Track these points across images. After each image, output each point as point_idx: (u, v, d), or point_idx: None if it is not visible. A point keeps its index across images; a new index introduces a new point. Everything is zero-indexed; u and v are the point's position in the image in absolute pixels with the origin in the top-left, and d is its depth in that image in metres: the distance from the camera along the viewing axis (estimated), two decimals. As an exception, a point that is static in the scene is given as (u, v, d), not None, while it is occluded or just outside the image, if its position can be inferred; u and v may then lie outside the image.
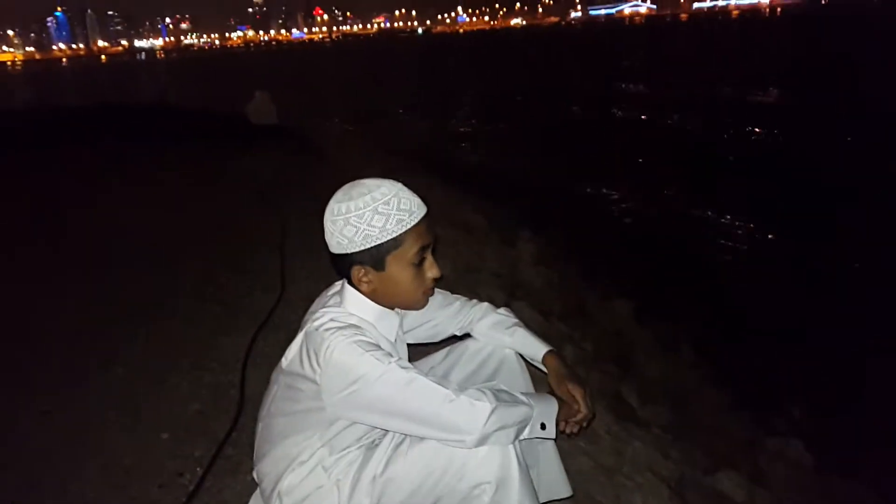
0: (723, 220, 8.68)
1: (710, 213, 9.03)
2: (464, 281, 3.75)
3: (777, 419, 4.06)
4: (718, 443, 3.26)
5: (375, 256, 1.39)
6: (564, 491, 1.81)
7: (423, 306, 1.53)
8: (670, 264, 6.43)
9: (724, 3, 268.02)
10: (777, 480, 3.11)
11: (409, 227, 1.38)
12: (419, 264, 1.43)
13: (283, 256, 4.16)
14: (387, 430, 1.45)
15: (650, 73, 30.20)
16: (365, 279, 1.43)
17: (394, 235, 1.37)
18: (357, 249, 1.39)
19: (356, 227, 1.37)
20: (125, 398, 2.70)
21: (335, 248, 1.41)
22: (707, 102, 19.35)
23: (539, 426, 1.45)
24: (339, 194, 1.41)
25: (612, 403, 2.93)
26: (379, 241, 1.37)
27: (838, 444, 3.72)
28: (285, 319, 3.29)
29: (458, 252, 4.33)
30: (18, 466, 2.32)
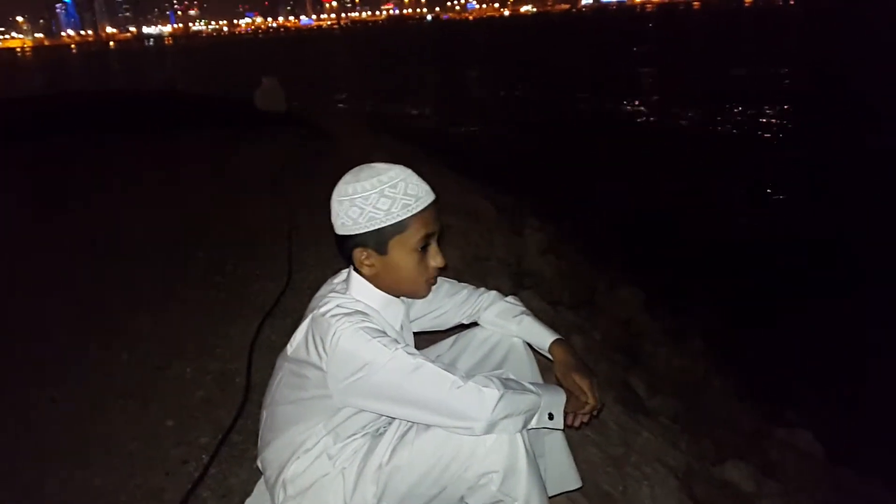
0: (734, 212, 8.61)
1: (721, 204, 8.97)
2: (472, 269, 3.72)
3: (787, 410, 4.04)
4: (727, 433, 3.24)
5: (379, 239, 1.39)
6: (573, 482, 1.79)
7: (425, 295, 1.52)
8: (681, 255, 6.39)
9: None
10: (786, 471, 3.09)
11: (414, 212, 1.37)
12: (422, 251, 1.42)
13: (291, 244, 4.14)
14: (393, 418, 1.44)
15: (660, 61, 29.95)
16: (367, 262, 1.42)
17: (398, 219, 1.37)
18: (361, 231, 1.38)
19: (361, 208, 1.36)
20: (130, 386, 2.70)
21: (339, 228, 1.41)
22: (718, 92, 19.14)
23: (547, 416, 1.43)
24: (347, 176, 1.41)
25: (621, 393, 2.90)
26: (383, 224, 1.37)
27: (848, 435, 3.70)
28: (292, 307, 3.28)
29: (467, 240, 4.30)
30: (26, 453, 2.33)
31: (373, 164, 1.42)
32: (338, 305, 1.40)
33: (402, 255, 1.41)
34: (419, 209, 1.38)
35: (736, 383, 4.11)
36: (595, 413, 1.58)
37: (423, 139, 11.78)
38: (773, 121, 14.94)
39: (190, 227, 4.66)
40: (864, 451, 3.52)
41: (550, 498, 1.60)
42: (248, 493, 1.94)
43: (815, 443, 3.42)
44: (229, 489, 2.08)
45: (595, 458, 2.31)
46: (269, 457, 1.51)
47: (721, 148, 12.60)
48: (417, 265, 1.43)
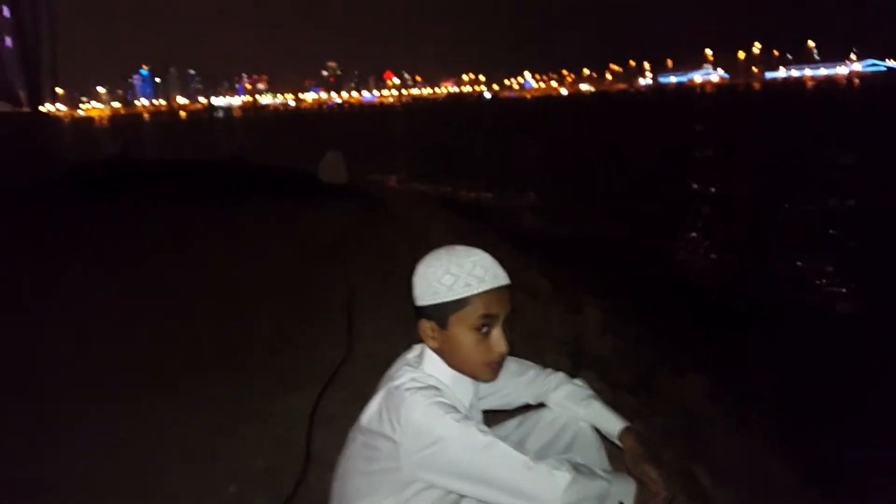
0: (806, 291, 8.37)
1: (792, 283, 8.74)
2: (529, 347, 3.69)
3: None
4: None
5: (440, 314, 1.44)
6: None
7: (487, 379, 1.51)
8: (747, 338, 6.19)
9: (798, 74, 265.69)
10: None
11: (475, 291, 1.41)
12: (483, 332, 1.44)
13: (351, 314, 4.21)
14: (462, 497, 1.43)
15: (722, 138, 29.86)
16: (431, 335, 1.47)
17: (459, 297, 1.41)
18: (426, 303, 1.45)
19: (428, 282, 1.44)
20: (193, 446, 2.74)
21: (414, 299, 1.48)
22: (781, 168, 18.93)
23: None
24: (430, 253, 1.49)
25: (685, 483, 2.80)
26: (444, 300, 1.42)
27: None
28: (351, 377, 3.31)
29: (524, 317, 4.28)
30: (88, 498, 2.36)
31: (456, 246, 1.49)
32: (412, 379, 1.43)
33: (460, 332, 1.44)
34: (481, 290, 1.41)
35: (805, 475, 3.90)
36: None
37: (480, 212, 11.92)
38: (839, 196, 14.65)
39: (255, 293, 4.78)
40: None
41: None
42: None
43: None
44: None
45: (660, 552, 2.22)
46: (340, 528, 1.51)
47: (790, 225, 12.35)
48: (477, 345, 1.44)
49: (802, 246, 10.69)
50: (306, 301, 4.58)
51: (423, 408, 1.35)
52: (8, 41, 17.13)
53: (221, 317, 4.30)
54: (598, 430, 1.74)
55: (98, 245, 6.51)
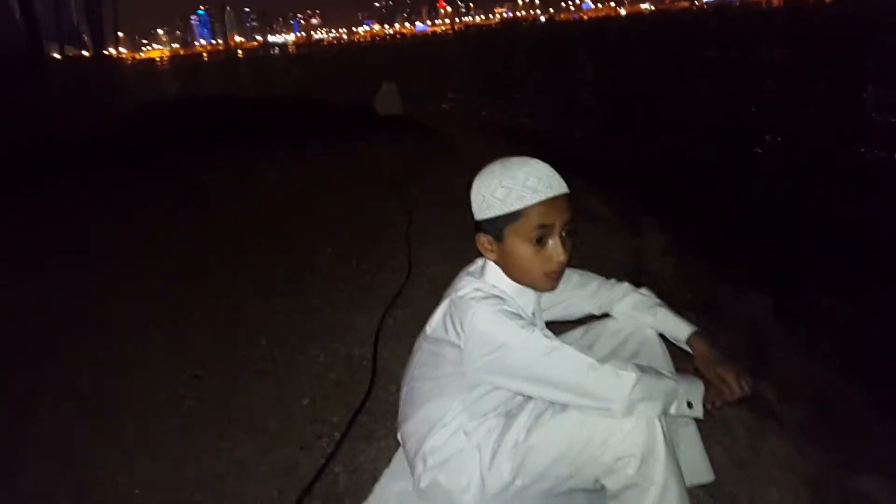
0: (872, 218, 8.01)
1: (861, 208, 8.36)
2: (590, 269, 3.70)
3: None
4: (864, 445, 3.06)
5: (496, 227, 1.44)
6: (707, 476, 1.78)
7: (547, 288, 1.52)
8: (814, 259, 6.02)
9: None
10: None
11: (529, 203, 1.40)
12: (539, 242, 1.43)
13: (410, 241, 4.29)
14: (528, 399, 1.48)
15: (790, 66, 28.09)
16: (488, 247, 1.49)
17: (512, 209, 1.41)
18: (482, 217, 1.46)
19: (483, 196, 1.45)
20: (269, 367, 2.90)
21: (472, 213, 1.50)
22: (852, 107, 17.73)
23: (686, 404, 1.42)
24: (486, 167, 1.48)
25: (749, 397, 2.81)
26: (498, 213, 1.42)
27: None
28: (413, 298, 3.42)
29: (583, 241, 4.28)
30: (173, 423, 2.54)
31: (511, 158, 1.48)
32: (475, 289, 1.46)
33: (516, 244, 1.44)
34: (535, 201, 1.40)
35: (874, 397, 3.84)
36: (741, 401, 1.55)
37: (537, 141, 11.72)
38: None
39: (318, 224, 4.91)
40: None
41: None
42: (376, 469, 2.06)
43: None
44: (359, 466, 2.19)
45: (721, 459, 2.26)
46: (409, 430, 1.59)
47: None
48: (534, 256, 1.44)
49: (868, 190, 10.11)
50: (367, 231, 4.68)
51: (486, 315, 1.39)
52: (71, -14, 17.44)
53: (286, 249, 4.44)
54: (664, 338, 1.75)
55: (167, 184, 6.74)
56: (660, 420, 1.36)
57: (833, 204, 8.39)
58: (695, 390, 1.45)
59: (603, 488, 1.43)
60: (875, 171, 11.09)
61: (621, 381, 1.33)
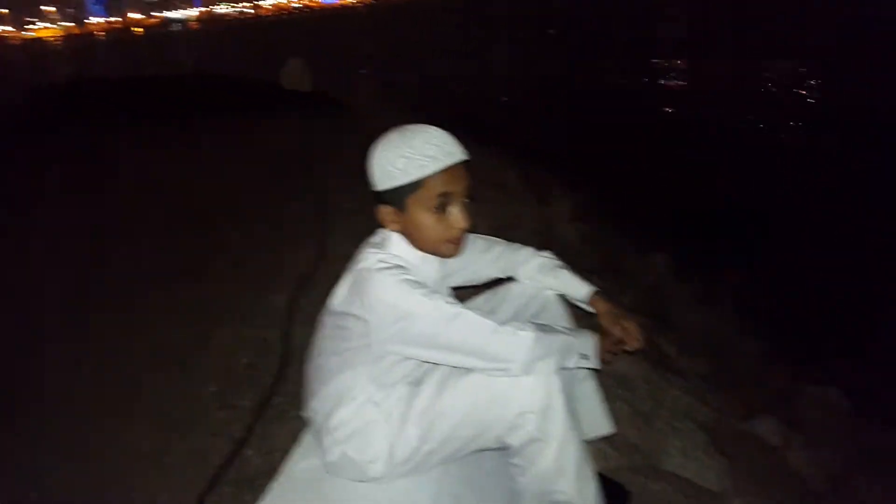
0: (762, 175, 8.47)
1: (750, 168, 8.82)
2: (499, 237, 3.76)
3: (816, 370, 4.03)
4: (756, 391, 3.28)
5: (397, 197, 1.44)
6: (606, 427, 1.86)
7: (451, 254, 1.53)
8: (709, 219, 6.34)
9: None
10: (813, 426, 3.12)
11: (429, 172, 1.41)
12: (441, 210, 1.45)
13: (323, 218, 4.23)
14: (433, 366, 1.51)
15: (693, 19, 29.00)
16: (390, 219, 1.48)
17: (413, 178, 1.41)
18: (383, 188, 1.45)
19: (383, 167, 1.43)
20: (174, 353, 2.81)
21: (371, 185, 1.48)
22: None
23: (581, 357, 1.50)
24: (382, 136, 1.47)
25: (650, 353, 2.95)
26: (399, 183, 1.42)
27: (878, 393, 3.69)
28: (325, 277, 3.37)
29: (493, 209, 4.34)
30: (69, 414, 2.44)
31: (408, 126, 1.48)
32: (378, 260, 1.47)
33: (419, 213, 1.45)
34: (435, 169, 1.41)
35: (766, 344, 4.11)
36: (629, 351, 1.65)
37: (449, 112, 11.71)
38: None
39: (225, 204, 4.77)
40: (892, 406, 3.51)
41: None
42: (290, 450, 2.04)
43: (843, 398, 3.44)
44: (273, 447, 2.18)
45: (624, 413, 2.37)
46: (317, 405, 1.59)
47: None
48: (436, 224, 1.46)
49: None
50: (276, 209, 4.58)
51: (389, 286, 1.40)
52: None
53: (189, 233, 4.29)
54: (565, 299, 1.81)
55: (60, 169, 6.38)
56: (558, 375, 1.42)
57: (731, 169, 8.84)
58: (589, 343, 1.53)
59: (507, 447, 1.48)
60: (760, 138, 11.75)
61: (520, 340, 1.39)
